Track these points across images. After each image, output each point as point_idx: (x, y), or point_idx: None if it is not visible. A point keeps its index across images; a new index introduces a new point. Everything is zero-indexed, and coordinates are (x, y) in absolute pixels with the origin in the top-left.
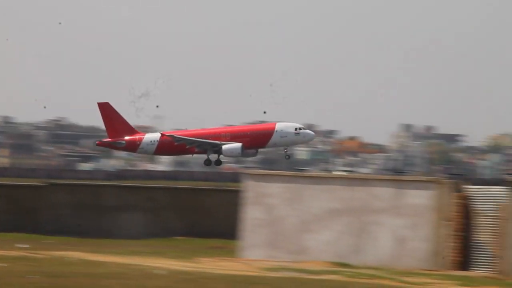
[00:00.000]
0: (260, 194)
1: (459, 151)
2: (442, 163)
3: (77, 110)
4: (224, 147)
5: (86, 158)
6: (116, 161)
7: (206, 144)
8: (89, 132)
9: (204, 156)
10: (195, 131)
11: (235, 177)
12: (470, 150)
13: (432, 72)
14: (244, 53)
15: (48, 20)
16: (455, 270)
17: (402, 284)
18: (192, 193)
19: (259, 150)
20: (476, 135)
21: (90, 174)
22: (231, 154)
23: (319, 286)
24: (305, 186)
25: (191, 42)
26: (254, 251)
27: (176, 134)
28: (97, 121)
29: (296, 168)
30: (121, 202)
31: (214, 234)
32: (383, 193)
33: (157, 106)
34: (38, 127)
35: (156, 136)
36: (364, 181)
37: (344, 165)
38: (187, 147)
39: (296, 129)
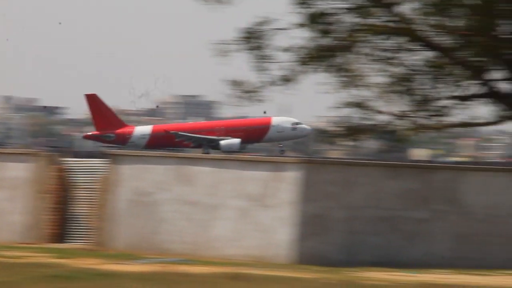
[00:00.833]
0: None
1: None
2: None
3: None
4: (222, 142)
5: None
6: None
7: (205, 140)
8: None
9: (198, 150)
10: (188, 124)
11: None
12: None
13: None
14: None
15: (48, 20)
16: (52, 243)
17: None
18: None
19: (255, 145)
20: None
21: None
22: (229, 149)
23: None
24: None
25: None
26: None
27: (169, 128)
28: None
29: None
30: None
31: None
32: None
33: (157, 107)
34: None
35: (147, 129)
36: None
37: None
38: (184, 142)
39: (292, 124)
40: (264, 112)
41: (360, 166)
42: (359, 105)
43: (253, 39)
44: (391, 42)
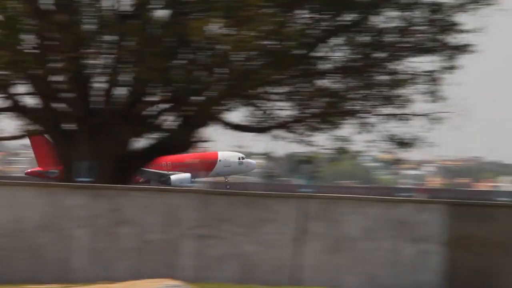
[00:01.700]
0: None
1: None
2: None
3: None
4: (173, 177)
5: None
6: None
7: (155, 175)
8: None
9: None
10: None
11: None
12: None
13: None
14: None
15: None
16: None
17: None
18: None
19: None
20: None
21: None
22: (180, 184)
23: None
24: None
25: None
26: None
27: None
28: None
29: None
30: None
31: None
32: None
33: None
34: None
35: None
36: None
37: None
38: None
39: (239, 158)
40: None
41: None
42: None
43: None
44: None
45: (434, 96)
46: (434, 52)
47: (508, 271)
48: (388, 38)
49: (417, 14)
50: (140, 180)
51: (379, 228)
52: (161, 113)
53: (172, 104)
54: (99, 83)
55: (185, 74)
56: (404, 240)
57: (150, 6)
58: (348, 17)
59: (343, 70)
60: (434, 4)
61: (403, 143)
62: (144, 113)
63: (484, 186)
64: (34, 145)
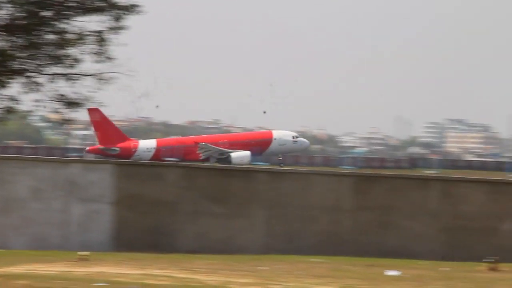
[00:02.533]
0: None
1: None
2: None
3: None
4: (233, 155)
5: None
6: None
7: (218, 152)
8: None
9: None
10: (191, 138)
11: None
12: None
13: None
14: (245, 53)
15: None
16: None
17: None
18: None
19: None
20: None
21: None
22: (240, 162)
23: None
24: None
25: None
26: None
27: (172, 142)
28: None
29: None
30: None
31: None
32: None
33: (157, 106)
34: None
35: (151, 143)
36: None
37: None
38: (198, 153)
39: (293, 137)
40: (264, 112)
41: None
42: None
43: None
44: None
45: (102, 56)
46: (102, 11)
47: (176, 228)
48: None
49: None
50: (200, 157)
51: (48, 188)
52: None
53: None
54: None
55: None
56: (73, 200)
57: None
58: None
59: (7, 28)
60: None
61: (72, 103)
62: None
63: None
64: (94, 121)
